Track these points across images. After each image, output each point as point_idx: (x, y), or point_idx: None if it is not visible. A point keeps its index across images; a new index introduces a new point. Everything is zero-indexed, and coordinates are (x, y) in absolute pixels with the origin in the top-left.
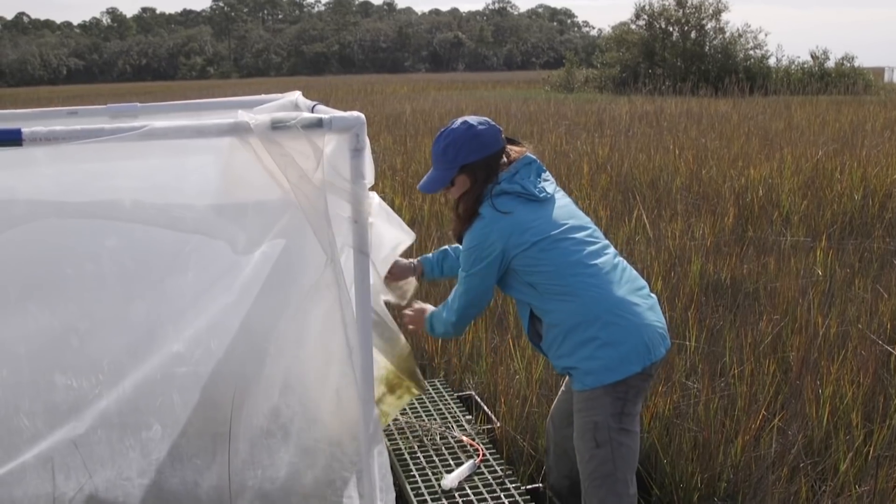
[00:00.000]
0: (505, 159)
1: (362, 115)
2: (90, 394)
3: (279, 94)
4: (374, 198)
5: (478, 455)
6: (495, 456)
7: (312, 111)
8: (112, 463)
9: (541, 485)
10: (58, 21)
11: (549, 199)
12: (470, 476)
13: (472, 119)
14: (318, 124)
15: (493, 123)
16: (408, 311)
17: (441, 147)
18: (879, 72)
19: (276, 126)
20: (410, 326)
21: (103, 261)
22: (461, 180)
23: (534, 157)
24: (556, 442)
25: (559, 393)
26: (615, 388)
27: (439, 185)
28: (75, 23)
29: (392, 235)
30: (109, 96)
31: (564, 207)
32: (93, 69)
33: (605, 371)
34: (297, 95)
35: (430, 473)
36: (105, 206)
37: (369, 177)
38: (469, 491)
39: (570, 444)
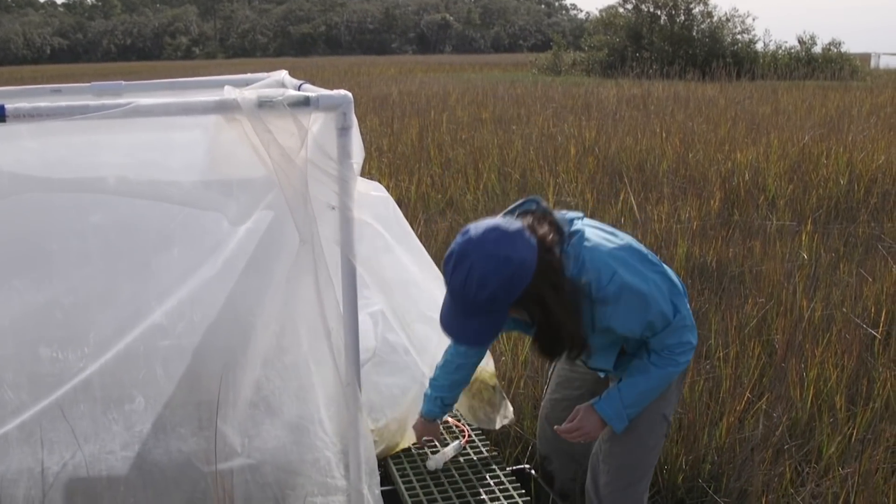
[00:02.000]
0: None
1: (349, 94)
2: (75, 367)
3: (265, 73)
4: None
5: (463, 436)
6: (481, 437)
7: (299, 90)
8: (95, 437)
9: (527, 466)
10: (41, 0)
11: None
12: (455, 457)
13: (491, 239)
14: (305, 102)
15: (513, 227)
16: (568, 428)
17: (486, 296)
18: (866, 58)
19: (263, 103)
20: (582, 439)
21: (88, 236)
22: (513, 312)
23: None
24: (558, 449)
25: (553, 399)
26: (682, 378)
27: (493, 332)
28: (59, 1)
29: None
30: (94, 76)
31: None
32: (77, 49)
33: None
34: (283, 74)
35: (415, 454)
36: (90, 182)
37: (357, 157)
38: (455, 472)
39: (576, 447)
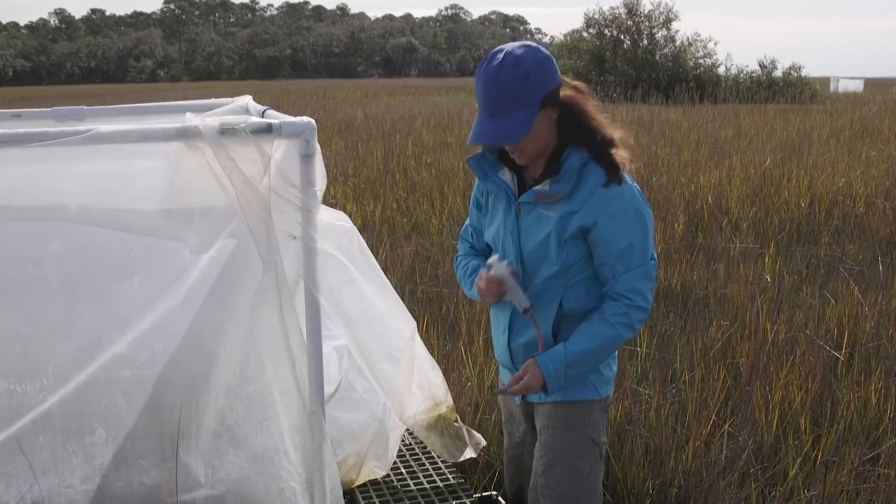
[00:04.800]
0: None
1: (312, 121)
2: (33, 399)
3: (229, 99)
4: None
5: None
6: (448, 465)
7: (262, 116)
8: (55, 470)
9: (494, 493)
10: (4, 21)
11: None
12: (422, 484)
13: (520, 41)
14: (268, 129)
15: None
16: (512, 390)
17: (520, 74)
18: (825, 81)
19: (225, 130)
20: (522, 392)
21: (47, 265)
22: (543, 120)
23: None
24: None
25: (520, 433)
26: (606, 401)
27: (524, 126)
28: (22, 23)
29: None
30: (57, 99)
31: None
32: (40, 71)
33: (612, 380)
34: (247, 100)
35: (381, 482)
36: (49, 211)
37: (320, 184)
38: (421, 500)
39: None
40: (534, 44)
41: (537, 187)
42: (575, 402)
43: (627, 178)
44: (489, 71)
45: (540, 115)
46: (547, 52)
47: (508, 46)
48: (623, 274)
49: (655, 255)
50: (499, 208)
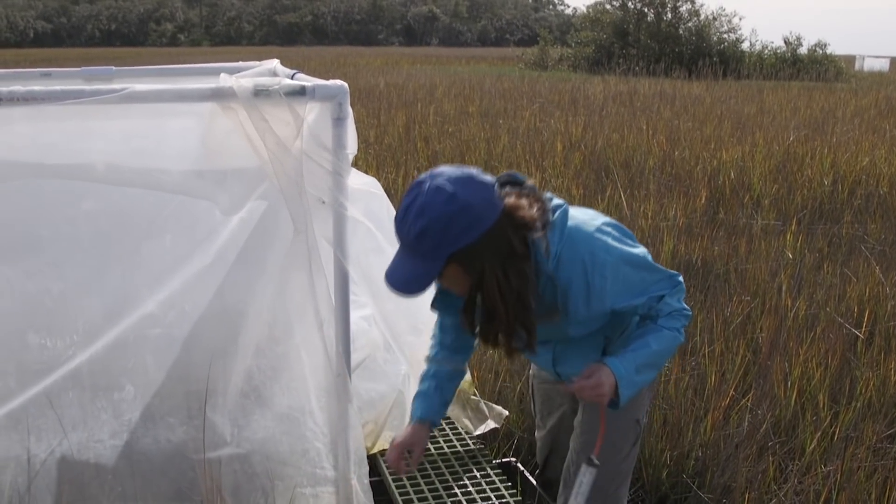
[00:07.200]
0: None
1: (345, 84)
2: (63, 355)
3: (256, 62)
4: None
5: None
6: (468, 431)
7: (292, 79)
8: (84, 425)
9: (513, 459)
10: None
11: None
12: (442, 449)
13: (450, 176)
14: (301, 92)
15: (481, 178)
16: (582, 385)
17: (416, 231)
18: (851, 60)
19: (259, 92)
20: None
21: (79, 223)
22: (457, 272)
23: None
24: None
25: (559, 414)
26: (655, 380)
27: (424, 280)
28: None
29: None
30: (78, 61)
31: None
32: (61, 33)
33: None
34: (275, 63)
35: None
36: (82, 169)
37: (351, 147)
38: (442, 465)
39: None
40: (452, 186)
41: None
42: None
43: (578, 221)
44: (402, 207)
45: (450, 269)
46: (468, 199)
47: (428, 183)
48: (659, 303)
49: (667, 270)
50: None
